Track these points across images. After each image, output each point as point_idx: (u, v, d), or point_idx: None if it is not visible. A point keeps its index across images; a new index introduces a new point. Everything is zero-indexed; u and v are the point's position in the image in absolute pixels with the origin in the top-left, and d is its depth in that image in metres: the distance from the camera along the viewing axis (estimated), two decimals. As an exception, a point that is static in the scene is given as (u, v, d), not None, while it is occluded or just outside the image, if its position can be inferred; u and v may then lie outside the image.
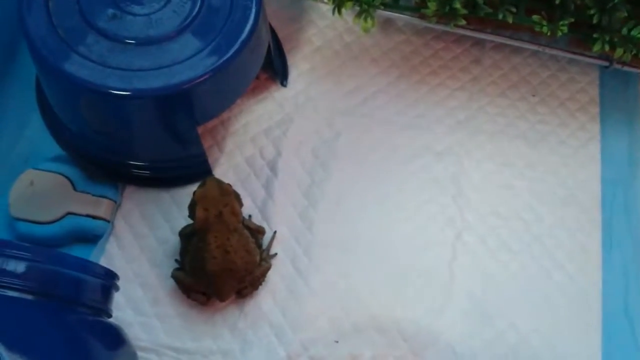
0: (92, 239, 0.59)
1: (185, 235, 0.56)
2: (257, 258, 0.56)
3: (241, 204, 0.56)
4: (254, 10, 0.55)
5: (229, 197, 0.54)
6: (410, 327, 0.57)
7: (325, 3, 0.64)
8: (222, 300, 0.56)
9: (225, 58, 0.52)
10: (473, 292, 0.59)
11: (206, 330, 0.56)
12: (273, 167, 0.63)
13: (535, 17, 0.61)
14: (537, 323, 0.58)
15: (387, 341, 0.56)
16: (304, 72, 0.68)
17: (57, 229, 0.57)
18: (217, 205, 0.53)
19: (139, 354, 0.53)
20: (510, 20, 0.61)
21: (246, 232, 0.55)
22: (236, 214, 0.54)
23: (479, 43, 0.70)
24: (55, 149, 0.61)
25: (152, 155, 0.60)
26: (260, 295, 0.58)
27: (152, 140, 0.57)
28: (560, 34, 0.60)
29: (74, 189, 0.59)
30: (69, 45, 0.52)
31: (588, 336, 0.58)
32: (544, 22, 0.60)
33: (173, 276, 0.56)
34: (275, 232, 0.60)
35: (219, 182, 0.54)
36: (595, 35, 0.61)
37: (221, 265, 0.53)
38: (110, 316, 0.49)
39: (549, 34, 0.60)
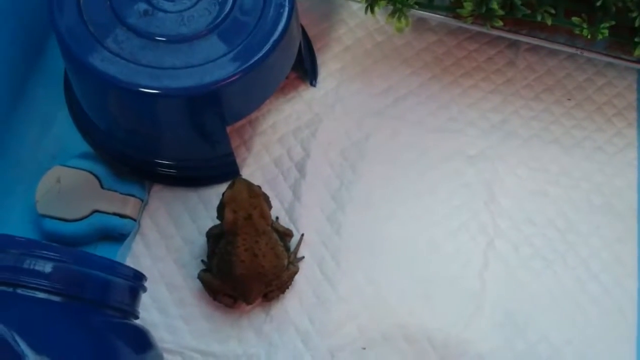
0: (118, 237, 0.58)
1: (213, 236, 0.55)
2: (285, 262, 0.55)
3: (270, 206, 0.55)
4: (287, 8, 0.53)
5: (258, 199, 0.53)
6: (440, 337, 0.56)
7: (357, 2, 0.63)
8: (248, 303, 0.55)
9: (257, 57, 0.51)
10: (504, 302, 0.57)
11: (232, 333, 0.56)
12: (301, 169, 0.62)
13: (575, 19, 0.59)
14: (570, 335, 0.57)
15: (416, 350, 0.55)
16: (334, 71, 0.67)
17: (84, 226, 0.57)
18: (246, 208, 0.52)
19: (165, 356, 0.52)
20: (549, 22, 0.59)
21: (275, 235, 0.54)
22: (265, 216, 0.53)
23: (513, 45, 0.68)
24: (83, 146, 0.60)
25: (180, 154, 0.59)
26: (287, 299, 0.57)
27: (181, 140, 0.56)
28: (600, 37, 0.58)
29: (101, 186, 0.58)
30: (99, 41, 0.51)
31: (622, 349, 0.56)
32: (584, 25, 0.58)
33: (200, 278, 0.55)
34: (302, 235, 0.59)
35: (249, 184, 0.53)
36: (636, 39, 0.59)
37: (249, 268, 0.52)
38: (137, 317, 0.48)
39: (589, 37, 0.58)
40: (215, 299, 0.55)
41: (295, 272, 0.56)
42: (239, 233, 0.52)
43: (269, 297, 0.56)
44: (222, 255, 0.53)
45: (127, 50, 0.51)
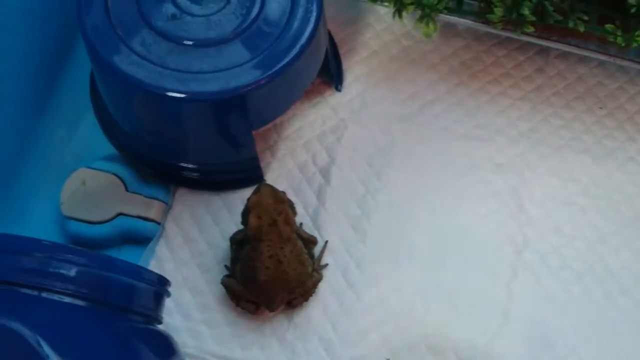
0: (141, 240, 0.58)
1: (237, 242, 0.55)
2: (310, 269, 0.54)
3: (295, 213, 0.54)
4: (315, 13, 0.53)
5: (283, 205, 0.52)
6: (466, 349, 0.55)
7: (385, 6, 0.62)
8: (271, 310, 0.54)
9: (284, 62, 0.51)
10: (532, 314, 0.56)
11: (254, 339, 0.55)
12: (326, 175, 0.61)
13: (608, 27, 0.58)
14: (600, 350, 0.55)
15: (441, 361, 0.54)
16: (360, 76, 0.66)
17: (108, 229, 0.57)
18: (271, 214, 0.52)
19: (187, 361, 0.52)
20: (581, 29, 0.58)
21: (299, 242, 0.54)
22: (290, 223, 0.52)
23: (543, 51, 0.67)
24: (108, 148, 0.60)
25: (204, 157, 0.59)
26: (310, 307, 0.56)
27: (206, 143, 0.56)
28: (635, 44, 0.57)
29: (126, 189, 0.58)
30: (126, 44, 0.51)
31: (654, 366, 0.55)
32: (618, 32, 0.57)
33: (223, 283, 0.55)
34: (326, 242, 0.58)
35: (274, 190, 0.53)
36: (672, 47, 0.58)
37: (273, 275, 0.52)
38: (160, 323, 0.48)
39: (623, 44, 0.57)
40: (237, 305, 0.55)
41: (319, 280, 0.56)
42: (263, 239, 0.52)
43: (292, 304, 0.55)
44: (246, 262, 0.52)
45: (155, 54, 0.51)
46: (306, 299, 0.55)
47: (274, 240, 0.52)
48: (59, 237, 0.57)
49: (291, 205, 0.54)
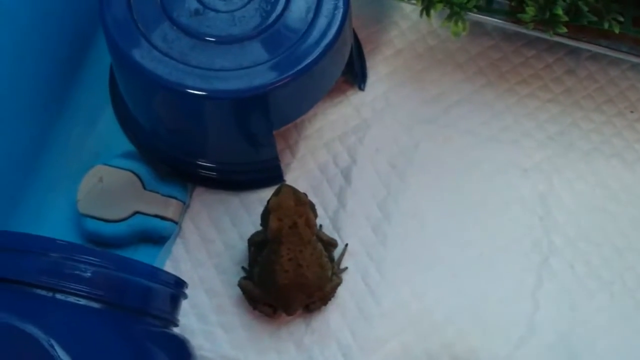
0: (158, 240, 0.57)
1: (255, 243, 0.54)
2: (329, 273, 0.53)
3: (316, 215, 0.53)
4: (341, 10, 0.51)
5: (304, 207, 0.51)
6: (488, 358, 0.53)
7: (413, 4, 0.60)
8: (289, 314, 0.53)
9: (309, 60, 0.49)
10: (558, 324, 0.55)
11: (271, 344, 0.54)
12: (347, 176, 0.60)
13: (644, 28, 0.55)
14: (628, 363, 0.53)
15: (463, 371, 0.53)
16: (384, 76, 0.64)
17: (125, 228, 0.56)
18: (291, 216, 0.50)
19: (202, 364, 0.51)
20: (616, 30, 0.56)
21: (319, 244, 0.53)
22: (311, 225, 0.51)
23: (573, 52, 0.65)
24: (126, 145, 0.59)
25: (224, 157, 0.58)
26: (329, 311, 0.55)
27: (227, 142, 0.55)
28: (671, 47, 0.55)
29: (144, 187, 0.57)
30: (148, 40, 0.50)
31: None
32: (655, 34, 0.55)
33: (240, 285, 0.54)
34: (346, 245, 0.57)
35: (295, 191, 0.52)
36: None
37: (292, 279, 0.50)
38: (177, 325, 0.47)
39: (659, 46, 0.55)
40: (255, 308, 0.54)
41: (339, 284, 0.54)
42: (283, 242, 0.50)
43: (311, 308, 0.54)
44: (265, 264, 0.51)
45: (177, 50, 0.50)
46: (325, 303, 0.54)
47: (294, 243, 0.50)
48: (74, 235, 0.57)
49: (312, 207, 0.53)
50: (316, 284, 0.52)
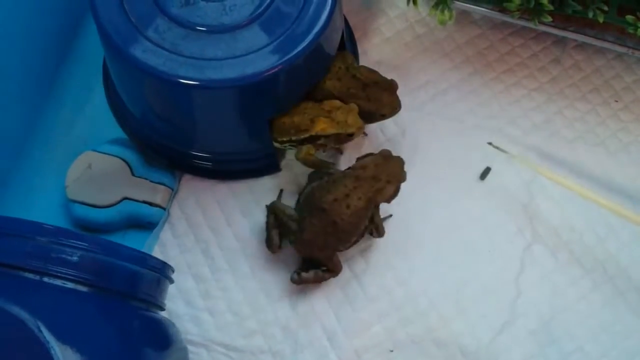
0: (146, 225, 0.58)
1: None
2: (354, 239, 0.54)
3: (392, 197, 0.54)
4: (331, -5, 0.51)
5: (398, 183, 0.54)
6: (471, 343, 0.54)
7: (400, -8, 0.61)
8: (305, 238, 0.53)
9: (301, 47, 0.49)
10: (540, 310, 0.56)
11: (257, 328, 0.55)
12: (334, 162, 0.60)
13: (628, 18, 0.56)
14: (608, 348, 0.55)
15: (445, 356, 0.54)
16: (372, 64, 0.64)
17: (113, 213, 0.56)
18: (389, 176, 0.53)
19: (189, 347, 0.52)
20: (600, 19, 0.56)
21: (371, 213, 0.54)
22: (387, 196, 0.53)
23: (560, 41, 0.65)
24: (115, 132, 0.60)
25: (218, 146, 0.57)
26: (314, 296, 0.56)
27: (220, 131, 0.55)
28: (655, 37, 0.55)
29: (132, 174, 0.57)
30: (140, 31, 0.50)
31: (662, 364, 0.54)
32: (639, 24, 0.55)
33: (269, 207, 0.55)
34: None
35: (403, 166, 0.54)
36: (693, 40, 0.56)
37: (332, 210, 0.52)
38: (163, 309, 0.47)
39: (642, 36, 0.55)
40: (267, 238, 0.55)
41: (339, 269, 0.55)
42: (361, 177, 0.53)
43: (319, 277, 0.54)
44: (320, 185, 0.53)
45: (169, 41, 0.50)
46: (334, 275, 0.54)
47: (363, 188, 0.52)
48: (63, 221, 0.57)
49: (398, 190, 0.54)
50: (343, 230, 0.52)
